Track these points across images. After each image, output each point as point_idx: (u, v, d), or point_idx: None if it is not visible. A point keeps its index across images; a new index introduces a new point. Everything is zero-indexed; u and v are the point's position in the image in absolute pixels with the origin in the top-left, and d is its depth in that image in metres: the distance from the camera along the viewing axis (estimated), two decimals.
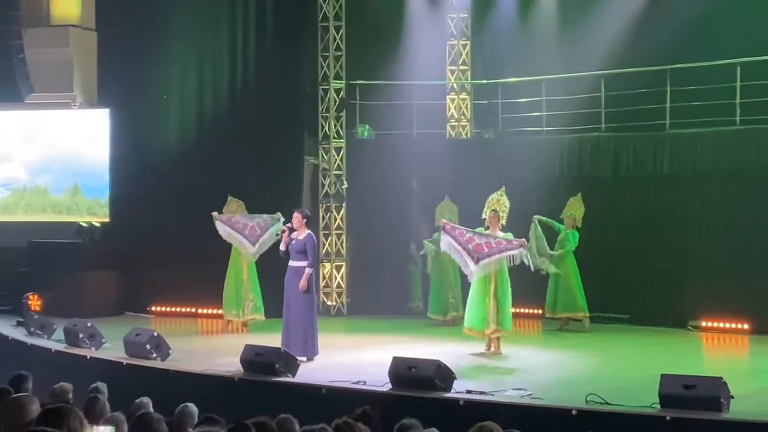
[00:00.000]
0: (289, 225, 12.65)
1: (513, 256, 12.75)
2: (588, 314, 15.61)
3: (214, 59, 17.85)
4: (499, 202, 13.32)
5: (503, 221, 13.19)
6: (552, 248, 15.47)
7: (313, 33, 18.08)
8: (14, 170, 19.32)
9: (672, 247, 16.05)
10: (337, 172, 18.15)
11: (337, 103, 18.12)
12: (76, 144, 18.98)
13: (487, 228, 13.16)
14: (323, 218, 18.07)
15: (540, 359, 13.22)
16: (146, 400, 7.58)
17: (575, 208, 15.67)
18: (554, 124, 17.21)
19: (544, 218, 15.43)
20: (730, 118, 15.41)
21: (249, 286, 15.73)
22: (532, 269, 13.29)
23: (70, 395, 7.83)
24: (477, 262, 12.77)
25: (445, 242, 13.11)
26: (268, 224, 15.08)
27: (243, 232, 15.22)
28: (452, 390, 9.99)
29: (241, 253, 15.42)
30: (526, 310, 17.07)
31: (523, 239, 12.98)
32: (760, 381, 11.44)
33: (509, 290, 13.15)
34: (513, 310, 16.88)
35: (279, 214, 15.01)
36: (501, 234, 13.05)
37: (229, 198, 16.10)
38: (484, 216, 13.55)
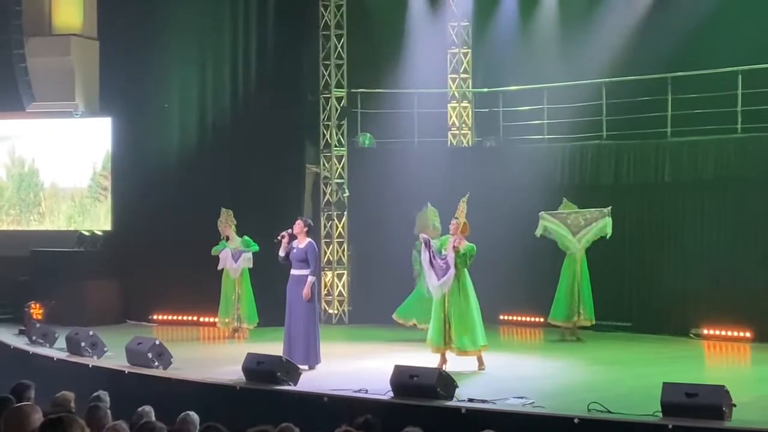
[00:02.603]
0: (289, 231, 12.66)
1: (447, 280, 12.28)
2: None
3: (215, 68, 17.87)
4: (459, 209, 13.00)
5: (460, 228, 12.60)
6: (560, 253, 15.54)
7: (315, 41, 18.09)
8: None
9: (674, 254, 16.04)
10: (338, 181, 18.15)
11: (339, 111, 18.13)
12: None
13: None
14: (325, 226, 18.08)
15: (542, 367, 13.21)
16: (148, 408, 7.58)
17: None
18: (555, 132, 17.22)
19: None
20: (731, 126, 15.41)
21: (241, 294, 15.84)
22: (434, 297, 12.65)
23: (72, 404, 7.82)
24: (438, 279, 12.34)
25: (425, 258, 12.56)
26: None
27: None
28: (454, 398, 9.99)
29: None
30: (527, 319, 17.08)
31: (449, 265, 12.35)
32: (763, 389, 11.44)
33: (468, 305, 12.39)
34: (513, 318, 17.07)
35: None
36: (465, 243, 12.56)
37: (222, 210, 16.12)
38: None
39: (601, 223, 15.32)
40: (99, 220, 19.00)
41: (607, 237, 15.29)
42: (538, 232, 15.64)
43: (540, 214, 15.65)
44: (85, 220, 19.16)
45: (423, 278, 14.49)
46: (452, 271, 12.24)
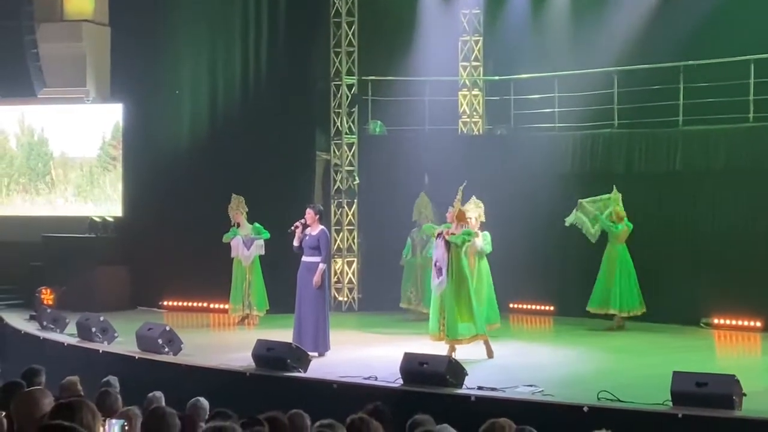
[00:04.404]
0: (302, 221, 12.66)
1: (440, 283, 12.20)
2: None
3: (226, 55, 17.87)
4: (456, 198, 12.82)
5: (456, 215, 12.61)
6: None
7: (326, 29, 18.07)
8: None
9: (684, 244, 16.00)
10: (348, 168, 18.15)
11: (349, 98, 18.11)
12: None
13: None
14: (335, 214, 18.08)
15: (551, 356, 13.21)
16: (159, 394, 7.62)
17: (615, 204, 15.50)
18: (566, 121, 17.17)
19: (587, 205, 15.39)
20: (743, 115, 15.35)
21: (251, 281, 15.89)
22: None
23: (79, 386, 7.87)
24: (437, 278, 12.25)
25: (439, 250, 12.46)
26: None
27: None
28: (463, 386, 10.00)
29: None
30: (537, 307, 17.06)
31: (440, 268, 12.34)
32: None
33: (461, 293, 12.28)
34: (523, 306, 17.05)
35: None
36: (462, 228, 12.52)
37: (233, 195, 16.14)
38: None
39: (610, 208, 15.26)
40: (106, 189, 19.08)
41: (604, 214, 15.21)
42: (569, 221, 15.47)
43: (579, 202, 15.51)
44: (94, 189, 19.27)
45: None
46: (444, 277, 12.17)
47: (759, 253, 15.12)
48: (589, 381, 10.68)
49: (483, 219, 14.13)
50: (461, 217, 12.61)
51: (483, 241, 14.00)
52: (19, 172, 19.72)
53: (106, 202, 19.10)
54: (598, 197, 15.47)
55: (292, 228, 12.63)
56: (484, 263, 14.26)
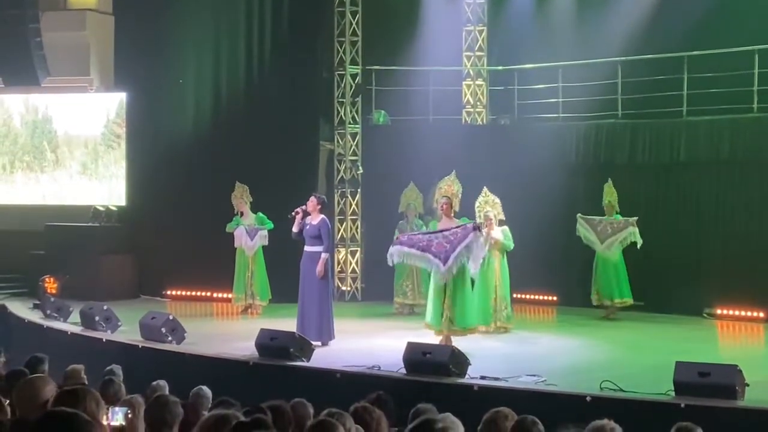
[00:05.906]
0: (303, 207, 12.67)
1: (470, 243, 11.95)
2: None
3: (230, 44, 17.86)
4: (451, 188, 12.91)
5: (456, 208, 12.76)
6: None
7: (330, 18, 18.04)
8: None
9: (688, 234, 15.99)
10: (352, 158, 18.14)
11: (353, 88, 18.10)
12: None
13: (440, 218, 12.66)
14: (338, 203, 18.08)
15: (554, 346, 13.22)
16: (163, 382, 7.63)
17: (609, 195, 15.55)
18: (570, 111, 17.15)
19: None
20: (747, 105, 15.33)
21: (254, 271, 15.89)
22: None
23: (83, 374, 7.89)
24: (445, 262, 11.99)
25: (398, 254, 12.32)
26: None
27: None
28: (466, 375, 10.01)
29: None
30: (540, 297, 17.06)
31: (476, 221, 12.48)
32: None
33: (466, 286, 12.39)
34: (526, 296, 17.06)
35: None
36: (455, 221, 12.55)
37: (237, 184, 16.13)
38: (435, 204, 13.36)
39: (625, 233, 15.24)
40: (111, 167, 19.11)
41: (638, 246, 15.20)
42: (579, 233, 15.56)
43: (577, 216, 15.60)
44: (99, 168, 19.29)
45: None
46: (476, 232, 12.10)
47: (763, 244, 15.11)
48: (591, 371, 10.69)
49: (502, 216, 14.11)
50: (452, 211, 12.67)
51: (504, 237, 13.96)
52: (23, 150, 19.78)
53: (111, 180, 19.13)
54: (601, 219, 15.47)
55: (293, 213, 12.65)
56: (505, 260, 14.25)
